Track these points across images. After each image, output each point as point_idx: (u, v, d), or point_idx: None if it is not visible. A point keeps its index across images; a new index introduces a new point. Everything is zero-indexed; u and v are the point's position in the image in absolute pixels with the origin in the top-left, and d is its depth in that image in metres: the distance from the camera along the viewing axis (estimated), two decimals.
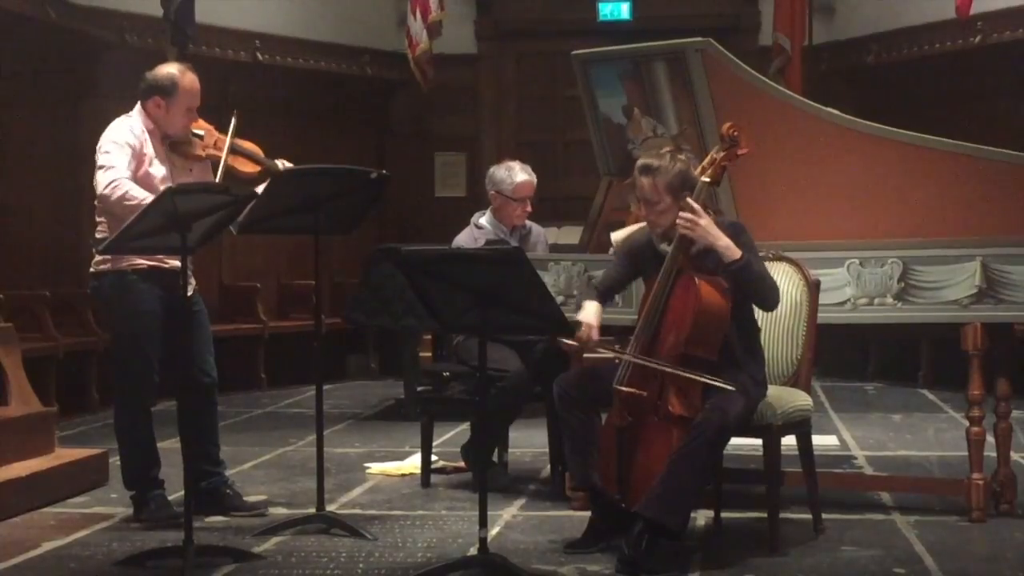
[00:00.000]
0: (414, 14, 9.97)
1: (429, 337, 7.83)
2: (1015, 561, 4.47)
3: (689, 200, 4.48)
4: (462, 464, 6.06)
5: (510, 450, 6.12)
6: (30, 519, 5.23)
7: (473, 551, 4.43)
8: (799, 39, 9.81)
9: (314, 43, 10.59)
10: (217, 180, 5.04)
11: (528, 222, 6.11)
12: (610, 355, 4.56)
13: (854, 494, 5.48)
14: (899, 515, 5.13)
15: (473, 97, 11.23)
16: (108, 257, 5.01)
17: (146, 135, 5.09)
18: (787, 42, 9.77)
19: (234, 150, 5.15)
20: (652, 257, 4.66)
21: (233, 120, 5.12)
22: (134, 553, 4.57)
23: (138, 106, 5.15)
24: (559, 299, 5.17)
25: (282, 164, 5.19)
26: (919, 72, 9.93)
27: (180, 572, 4.31)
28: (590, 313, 4.61)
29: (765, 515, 4.65)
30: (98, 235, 5.09)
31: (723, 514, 4.98)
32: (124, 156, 4.97)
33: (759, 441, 4.65)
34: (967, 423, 5.10)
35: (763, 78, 5.59)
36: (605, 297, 4.78)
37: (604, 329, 4.76)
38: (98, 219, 5.12)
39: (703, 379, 4.39)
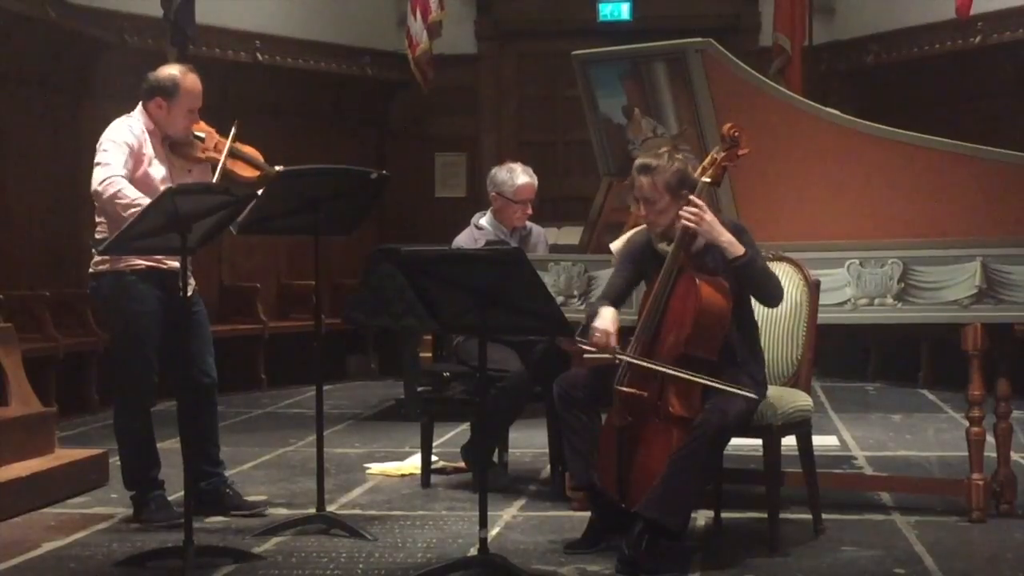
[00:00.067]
0: (414, 14, 9.97)
1: (429, 337, 7.85)
2: (1015, 561, 4.47)
3: (693, 197, 4.49)
4: (462, 464, 6.06)
5: (510, 450, 6.13)
6: (30, 519, 5.23)
7: (473, 551, 4.43)
8: (799, 39, 9.81)
9: (314, 43, 10.60)
10: (214, 181, 5.03)
11: (528, 223, 6.10)
12: (610, 356, 4.55)
13: (854, 494, 5.48)
14: (899, 515, 5.13)
15: (473, 97, 11.24)
16: (107, 257, 5.01)
17: (146, 135, 5.09)
18: (787, 42, 9.77)
19: (234, 154, 5.15)
20: (652, 257, 4.66)
21: (233, 128, 5.13)
22: (134, 554, 4.57)
23: (139, 106, 5.15)
24: (559, 299, 5.17)
25: (281, 170, 5.19)
26: (919, 72, 9.93)
27: (180, 572, 4.31)
28: (607, 319, 4.53)
29: (765, 515, 4.65)
30: (98, 235, 5.09)
31: (723, 514, 4.98)
32: (121, 155, 4.97)
33: (759, 441, 4.65)
34: (967, 423, 5.10)
35: (763, 78, 5.59)
36: (616, 305, 4.75)
37: None
38: (98, 219, 5.12)
39: (707, 382, 4.38)
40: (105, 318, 5.41)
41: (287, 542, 4.78)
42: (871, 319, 5.11)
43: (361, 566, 4.46)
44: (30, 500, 5.37)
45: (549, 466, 5.91)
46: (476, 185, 10.68)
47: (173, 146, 5.17)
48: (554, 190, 9.87)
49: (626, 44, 5.87)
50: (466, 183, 11.12)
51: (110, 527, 5.09)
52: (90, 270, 5.16)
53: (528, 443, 6.66)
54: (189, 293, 4.93)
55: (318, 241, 5.01)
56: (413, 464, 6.17)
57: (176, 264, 4.93)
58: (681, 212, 4.48)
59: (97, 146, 5.06)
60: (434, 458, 6.04)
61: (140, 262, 5.02)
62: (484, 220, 6.07)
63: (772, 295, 4.57)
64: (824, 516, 4.89)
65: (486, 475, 4.73)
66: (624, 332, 4.64)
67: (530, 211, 6.07)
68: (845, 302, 5.10)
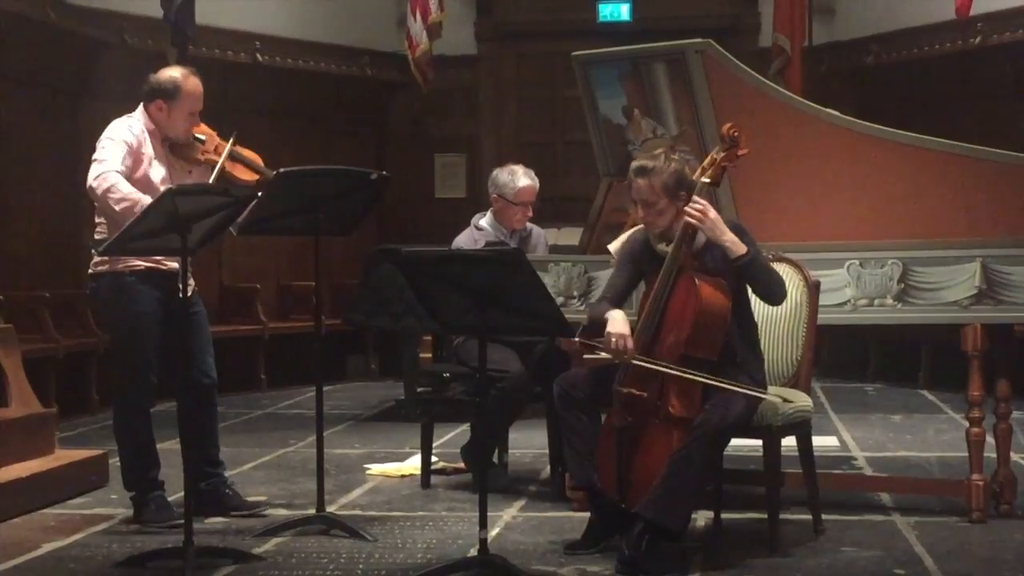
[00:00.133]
0: (414, 15, 9.97)
1: (429, 338, 7.83)
2: (1015, 562, 4.47)
3: (696, 197, 4.49)
4: (462, 465, 6.06)
5: (510, 451, 6.13)
6: (30, 520, 5.23)
7: (473, 552, 4.43)
8: (799, 40, 9.81)
9: (314, 44, 10.60)
10: (211, 181, 5.03)
11: (528, 223, 6.10)
12: (610, 357, 4.55)
13: (854, 495, 5.48)
14: (899, 516, 5.13)
15: (473, 98, 11.24)
16: (106, 258, 5.01)
17: (146, 135, 5.09)
18: (787, 43, 9.77)
19: (234, 157, 5.15)
20: (651, 257, 4.66)
21: (233, 137, 5.13)
22: (134, 554, 4.57)
23: (140, 107, 5.15)
24: (559, 300, 5.17)
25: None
26: (919, 73, 9.93)
27: (180, 573, 4.31)
28: (620, 323, 4.49)
29: (765, 516, 4.65)
30: (97, 236, 5.09)
31: (723, 515, 4.98)
32: (119, 152, 4.97)
33: (759, 442, 4.65)
34: (967, 424, 5.10)
35: (763, 79, 5.59)
36: (618, 306, 4.75)
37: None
38: (97, 220, 5.13)
39: (715, 383, 4.38)
40: (104, 319, 5.41)
41: (287, 543, 4.78)
42: (871, 320, 5.12)
43: (361, 567, 4.46)
44: (30, 501, 5.37)
45: (549, 467, 5.91)
46: (476, 186, 10.69)
47: (173, 148, 5.17)
48: (554, 191, 9.85)
49: (626, 45, 5.87)
50: (466, 184, 11.13)
51: (110, 528, 5.09)
52: (89, 271, 5.16)
53: (528, 444, 6.66)
54: (188, 294, 4.93)
55: (318, 242, 5.01)
56: (413, 465, 6.17)
57: (175, 265, 4.94)
58: (686, 208, 4.48)
59: (96, 144, 5.06)
60: (434, 459, 6.04)
61: (139, 263, 5.02)
62: (484, 221, 6.07)
63: (776, 293, 4.57)
64: (824, 517, 4.89)
65: (486, 476, 4.73)
66: None
67: (531, 213, 6.07)
68: (845, 303, 5.10)
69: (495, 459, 5.89)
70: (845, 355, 9.67)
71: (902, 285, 5.04)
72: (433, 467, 5.99)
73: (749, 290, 4.63)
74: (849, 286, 5.09)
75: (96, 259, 5.09)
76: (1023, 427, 6.72)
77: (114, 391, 5.35)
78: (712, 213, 4.48)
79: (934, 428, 7.47)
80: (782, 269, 4.86)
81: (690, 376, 4.39)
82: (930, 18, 9.71)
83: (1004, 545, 4.69)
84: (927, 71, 9.85)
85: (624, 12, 10.89)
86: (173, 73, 5.18)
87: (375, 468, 6.28)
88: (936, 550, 4.59)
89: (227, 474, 5.38)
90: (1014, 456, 5.51)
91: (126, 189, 4.89)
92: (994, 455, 5.12)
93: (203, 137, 5.20)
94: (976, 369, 4.98)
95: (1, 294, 7.61)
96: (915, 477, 5.96)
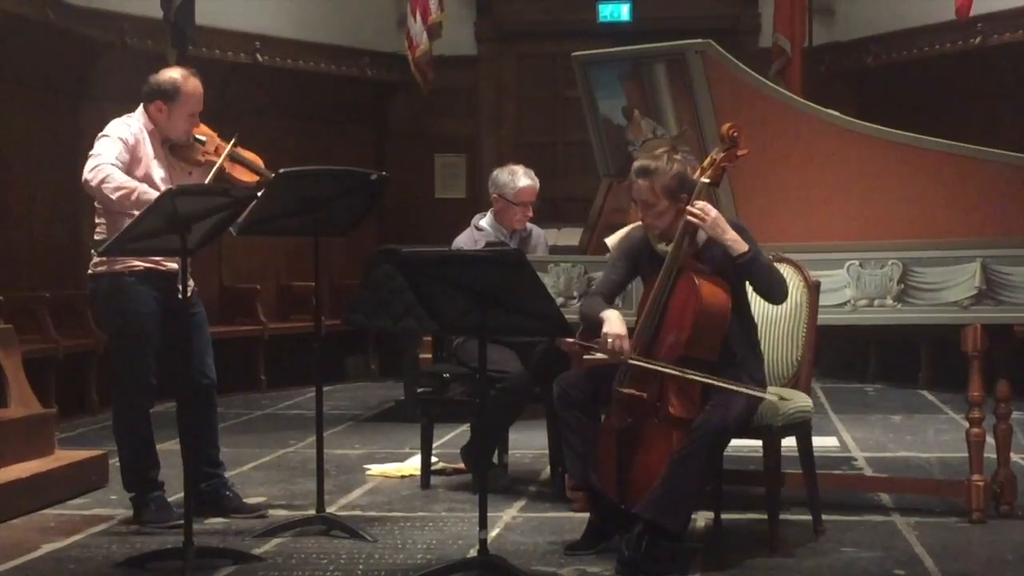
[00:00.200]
0: (414, 16, 9.97)
1: (429, 339, 7.83)
2: (1015, 562, 4.47)
3: (695, 200, 4.49)
4: (462, 466, 6.06)
5: (510, 451, 6.13)
6: (30, 521, 5.23)
7: (473, 553, 4.43)
8: (799, 40, 9.81)
9: (314, 45, 10.59)
10: (207, 182, 5.03)
11: (528, 224, 6.10)
12: (610, 357, 4.55)
13: (854, 495, 5.48)
14: (899, 516, 5.13)
15: (473, 99, 11.23)
16: (105, 259, 5.01)
17: (144, 135, 5.09)
18: (787, 43, 9.77)
19: (234, 158, 5.15)
20: (650, 257, 4.65)
21: (234, 139, 5.12)
22: (134, 555, 4.57)
23: (140, 108, 5.15)
24: (559, 300, 5.17)
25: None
26: (919, 73, 9.93)
27: (180, 574, 4.31)
28: (616, 324, 4.50)
29: (765, 516, 4.65)
30: (97, 237, 5.09)
31: (723, 515, 4.98)
32: (114, 147, 4.97)
33: (759, 442, 4.65)
34: (967, 424, 5.10)
35: (763, 79, 5.59)
36: (610, 301, 4.75)
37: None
38: (97, 220, 5.13)
39: (715, 383, 4.38)
40: (104, 320, 5.41)
41: (287, 543, 4.78)
42: (871, 320, 5.12)
43: (361, 567, 4.46)
44: (30, 501, 5.37)
45: (549, 467, 5.91)
46: (476, 186, 10.68)
47: (173, 148, 5.17)
48: (554, 191, 9.84)
49: (626, 45, 5.87)
50: (466, 184, 11.12)
51: (110, 528, 5.09)
52: (89, 271, 5.16)
53: (528, 444, 6.66)
54: (188, 294, 4.93)
55: (318, 242, 5.01)
56: (413, 465, 6.17)
57: (174, 265, 4.94)
58: (688, 208, 4.47)
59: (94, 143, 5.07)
60: (434, 459, 6.04)
61: (138, 263, 5.02)
62: (484, 221, 6.07)
63: (777, 291, 4.57)
64: (824, 517, 4.89)
65: (486, 476, 4.73)
66: None
67: (531, 213, 6.07)
68: (845, 303, 5.10)
69: (495, 460, 5.89)
70: (845, 355, 9.67)
71: (902, 285, 5.04)
72: (433, 468, 5.99)
73: (749, 290, 4.63)
74: (849, 286, 5.09)
75: (95, 260, 5.09)
76: (1023, 427, 6.72)
77: (113, 392, 5.35)
78: (713, 212, 4.48)
79: (934, 428, 7.47)
80: (782, 269, 4.86)
81: (689, 376, 4.39)
82: (930, 19, 9.71)
83: (1004, 545, 4.69)
84: (927, 71, 9.85)
85: (624, 12, 10.89)
86: (173, 74, 5.18)
87: (375, 469, 6.28)
88: (936, 551, 4.59)
89: (227, 475, 5.38)
90: (1014, 457, 5.51)
91: (121, 178, 4.89)
92: (994, 456, 5.12)
93: (203, 138, 5.20)
94: (976, 369, 4.98)
95: (1, 294, 7.60)
96: (915, 477, 5.96)
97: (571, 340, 4.80)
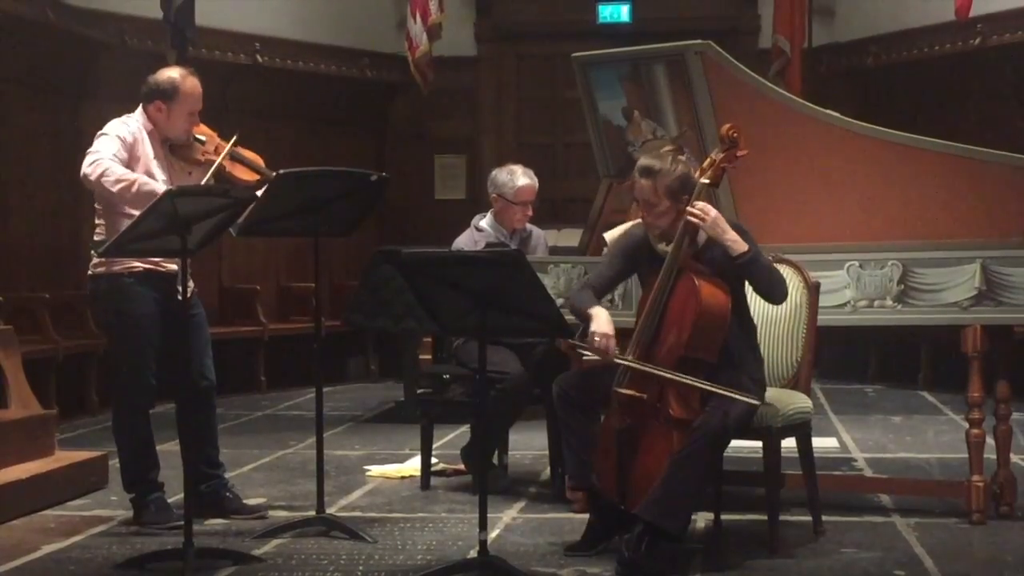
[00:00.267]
0: (414, 16, 9.97)
1: (429, 339, 7.85)
2: (1015, 563, 4.47)
3: (694, 200, 4.49)
4: (462, 466, 6.06)
5: (510, 452, 6.13)
6: (30, 522, 5.23)
7: (473, 554, 4.44)
8: (799, 41, 9.82)
9: (314, 46, 10.60)
10: (205, 180, 5.03)
11: (528, 225, 6.11)
12: (614, 362, 4.55)
13: (854, 496, 5.48)
14: (899, 517, 5.13)
15: (473, 99, 11.24)
16: (104, 260, 5.01)
17: (143, 135, 5.09)
18: (787, 44, 9.78)
19: (234, 157, 5.15)
20: (650, 257, 4.65)
21: (235, 138, 5.12)
22: (134, 556, 4.57)
23: (139, 108, 5.15)
24: (559, 301, 5.16)
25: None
26: (918, 74, 9.93)
27: (180, 574, 4.31)
28: (603, 322, 4.52)
29: (765, 517, 4.65)
30: (97, 237, 5.09)
31: (723, 516, 4.98)
32: (112, 144, 4.97)
33: (759, 443, 4.65)
34: (967, 425, 5.10)
35: (763, 80, 5.59)
36: (601, 295, 4.76)
37: None
38: (97, 221, 5.13)
39: (710, 388, 4.37)
40: (103, 320, 5.41)
41: (287, 544, 4.78)
42: (871, 321, 5.12)
43: (361, 568, 4.46)
44: (30, 502, 5.37)
45: (549, 468, 5.91)
46: (476, 187, 10.68)
47: (173, 148, 5.17)
48: (554, 192, 9.87)
49: (626, 46, 5.87)
50: (466, 185, 11.13)
51: (110, 529, 5.09)
52: (88, 272, 5.15)
53: (528, 445, 6.66)
54: (188, 295, 4.93)
55: (318, 243, 5.01)
56: (413, 466, 6.17)
57: (174, 266, 4.94)
58: (688, 208, 4.47)
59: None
60: (434, 460, 6.04)
61: (137, 264, 5.02)
62: (484, 222, 6.07)
63: (777, 291, 4.56)
64: (824, 518, 4.89)
65: (486, 477, 4.72)
66: (622, 333, 4.63)
67: (531, 213, 6.07)
68: (845, 304, 5.10)
69: (495, 461, 5.89)
70: (845, 356, 9.67)
71: (902, 286, 5.04)
72: (433, 468, 5.99)
73: (749, 291, 4.63)
74: (849, 287, 5.09)
75: (95, 260, 5.09)
76: (1023, 428, 6.72)
77: (113, 392, 5.35)
78: (713, 212, 4.48)
79: (934, 429, 7.47)
80: (782, 270, 4.86)
81: (678, 379, 4.38)
82: (930, 19, 9.71)
83: (1004, 546, 4.69)
84: (927, 72, 9.85)
85: (624, 13, 10.89)
86: (171, 73, 5.18)
87: (375, 469, 6.28)
88: (936, 551, 4.59)
89: (227, 475, 5.38)
90: (1014, 457, 5.51)
91: (121, 171, 4.89)
92: (994, 456, 5.12)
93: (203, 138, 5.20)
94: (976, 370, 4.98)
95: (1, 295, 7.60)
96: (915, 478, 5.96)
97: (568, 341, 4.81)
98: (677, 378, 4.39)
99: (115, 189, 4.85)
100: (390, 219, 10.57)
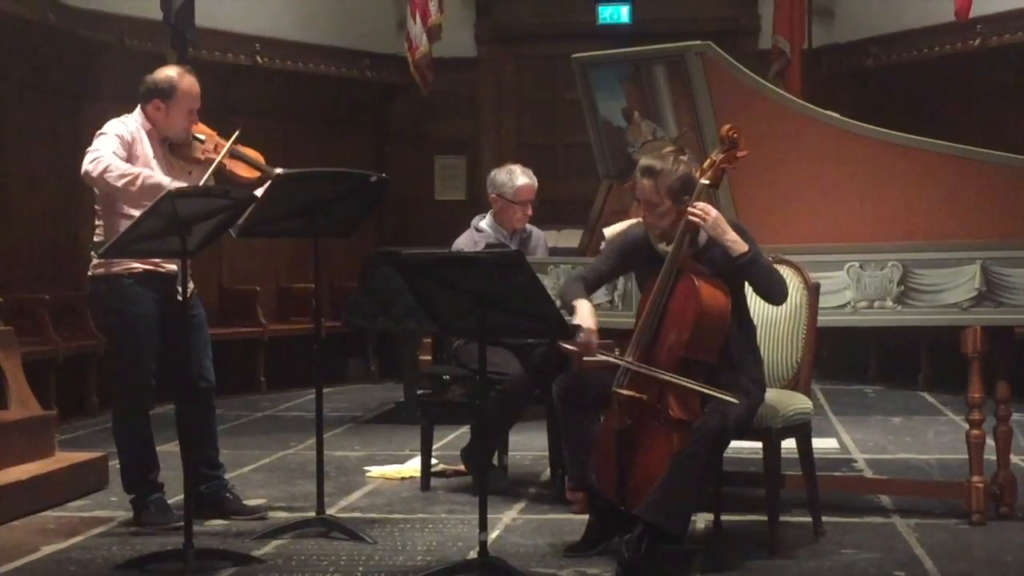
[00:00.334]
0: (414, 17, 9.98)
1: (429, 340, 7.84)
2: (1015, 564, 4.47)
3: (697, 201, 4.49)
4: (462, 467, 6.06)
5: (510, 453, 6.13)
6: (29, 523, 5.23)
7: (473, 554, 4.43)
8: (798, 42, 9.82)
9: (314, 47, 10.60)
10: (205, 178, 5.03)
11: (528, 225, 6.11)
12: (612, 361, 4.55)
13: (854, 497, 5.48)
14: (899, 518, 5.13)
15: (473, 100, 11.24)
16: (103, 261, 5.01)
17: (142, 134, 5.08)
18: (787, 45, 9.78)
19: (233, 154, 5.15)
20: (649, 256, 4.65)
21: (236, 132, 5.13)
22: (134, 557, 4.57)
23: (137, 108, 5.15)
24: (558, 302, 5.16)
25: (281, 172, 5.19)
26: (918, 75, 9.93)
27: (180, 575, 4.31)
28: (586, 315, 4.56)
29: (765, 518, 4.65)
30: (96, 238, 5.09)
31: (723, 517, 4.98)
32: (112, 143, 4.97)
33: (759, 444, 4.65)
34: (967, 426, 5.10)
35: (763, 81, 5.60)
36: (592, 289, 4.77)
37: (604, 332, 4.75)
38: (96, 222, 5.13)
39: (706, 391, 4.37)
40: (103, 321, 5.41)
41: (287, 545, 4.78)
42: (871, 322, 5.12)
43: (361, 569, 4.46)
44: (30, 503, 5.37)
45: (549, 469, 5.91)
46: (476, 188, 10.68)
47: (173, 148, 5.17)
48: (553, 193, 9.85)
49: (625, 47, 5.87)
50: (466, 186, 11.13)
51: (109, 530, 5.08)
52: (88, 273, 5.16)
53: (528, 446, 6.66)
54: (188, 296, 4.93)
55: (318, 244, 5.01)
56: (413, 467, 6.17)
57: (174, 267, 4.94)
58: (688, 208, 4.47)
59: None
60: (434, 461, 6.04)
61: (137, 265, 5.02)
62: (484, 223, 6.07)
63: (777, 291, 4.56)
64: (824, 519, 4.89)
65: (486, 478, 4.73)
66: (622, 334, 4.64)
67: (530, 212, 6.08)
68: (845, 305, 5.10)
69: (495, 461, 5.89)
70: (845, 357, 9.67)
71: (902, 287, 5.04)
72: (433, 469, 5.99)
73: (749, 292, 4.63)
74: (849, 288, 5.09)
75: (95, 261, 5.09)
76: (1023, 429, 6.72)
77: (113, 393, 5.35)
78: (713, 212, 4.48)
79: (934, 430, 7.47)
80: (782, 271, 4.86)
81: (682, 383, 4.38)
82: (929, 20, 9.71)
83: (1004, 547, 4.69)
84: (926, 73, 9.85)
85: (624, 14, 10.89)
86: (169, 72, 5.18)
87: (375, 470, 6.27)
88: (936, 552, 4.59)
89: (227, 476, 5.38)
90: (1014, 458, 5.51)
91: (123, 166, 4.89)
92: (994, 457, 5.12)
93: (202, 136, 5.20)
94: (976, 371, 4.98)
95: (1, 296, 7.60)
96: (915, 479, 5.96)
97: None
98: (671, 379, 4.38)
99: (120, 184, 4.85)
100: (390, 220, 10.58)
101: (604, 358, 4.58)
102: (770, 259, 4.72)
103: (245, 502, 5.33)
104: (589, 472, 4.58)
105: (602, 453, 4.54)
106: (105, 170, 4.87)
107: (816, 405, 7.41)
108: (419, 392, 6.48)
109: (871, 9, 10.38)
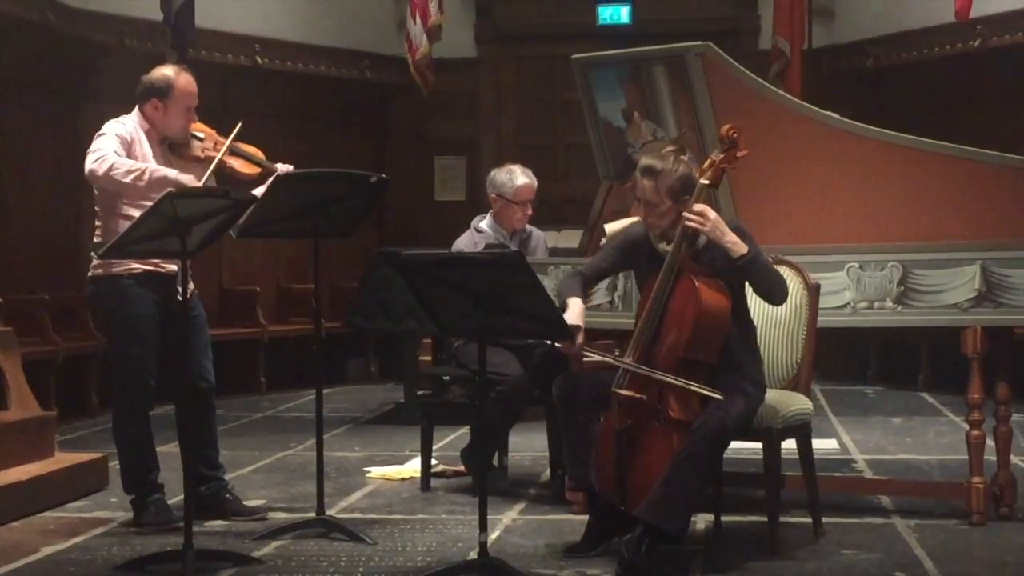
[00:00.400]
0: (414, 18, 9.97)
1: (429, 341, 7.84)
2: (1015, 565, 4.47)
3: (693, 203, 4.49)
4: (462, 468, 6.06)
5: (510, 454, 6.13)
6: (30, 523, 5.23)
7: (473, 555, 4.43)
8: (798, 43, 9.82)
9: (314, 47, 10.60)
10: (206, 176, 5.03)
11: (528, 226, 6.11)
12: (611, 361, 4.55)
13: (854, 498, 5.48)
14: (899, 519, 5.13)
15: (473, 101, 11.25)
16: (103, 261, 5.01)
17: (140, 134, 5.08)
18: (787, 46, 9.78)
19: (233, 151, 5.15)
20: (650, 256, 4.65)
21: (238, 126, 5.13)
22: (134, 557, 4.57)
23: (135, 110, 5.15)
24: (558, 303, 5.17)
25: (282, 167, 5.19)
26: (918, 76, 9.93)
27: None
28: (574, 313, 4.55)
29: (765, 519, 4.65)
30: (96, 239, 5.09)
31: (723, 518, 4.97)
32: (112, 142, 4.97)
33: (759, 445, 4.65)
34: (967, 426, 5.10)
35: (763, 82, 5.60)
36: (589, 285, 4.77)
37: (604, 332, 4.76)
38: (96, 223, 5.13)
39: (705, 392, 4.37)
40: (103, 322, 5.41)
41: (287, 546, 4.78)
42: (871, 322, 5.12)
43: (361, 570, 4.46)
44: (29, 504, 5.36)
45: (549, 470, 5.91)
46: (476, 188, 10.69)
47: (172, 147, 5.17)
48: (553, 193, 9.88)
49: (626, 48, 5.87)
50: (466, 186, 11.13)
51: (109, 531, 5.08)
52: (88, 274, 5.16)
53: (528, 447, 6.66)
54: (188, 296, 4.93)
55: (318, 244, 5.01)
56: (413, 468, 6.17)
57: (174, 268, 4.94)
58: (685, 214, 4.47)
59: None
60: (434, 462, 6.04)
61: (137, 266, 5.02)
62: (484, 223, 6.07)
63: (777, 292, 4.56)
64: (824, 519, 4.89)
65: (486, 479, 4.73)
66: (622, 334, 4.63)
67: (530, 212, 6.08)
68: (845, 305, 5.10)
69: (495, 462, 5.89)
70: (845, 358, 9.67)
71: (902, 288, 5.04)
72: (433, 470, 5.99)
73: (749, 293, 4.63)
74: (849, 289, 5.09)
75: (94, 262, 5.09)
76: (1023, 430, 6.72)
77: (113, 394, 5.34)
78: (712, 214, 4.47)
79: (934, 431, 7.47)
80: (782, 272, 4.86)
81: (680, 384, 4.38)
82: (929, 21, 9.72)
83: (1004, 548, 4.69)
84: (926, 74, 9.86)
85: (624, 15, 10.90)
86: (165, 71, 5.18)
87: (375, 471, 6.27)
88: (936, 553, 4.59)
89: (227, 477, 5.38)
90: (1014, 459, 5.51)
91: (128, 162, 4.90)
92: (994, 458, 5.12)
93: (201, 135, 5.20)
94: (976, 372, 4.98)
95: (1, 296, 7.60)
96: (915, 480, 5.95)
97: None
98: (669, 380, 4.38)
99: (128, 180, 4.85)
100: (390, 220, 10.58)
101: (603, 359, 4.58)
102: (770, 259, 4.72)
103: (245, 503, 5.33)
104: (589, 473, 4.58)
105: (602, 453, 4.54)
106: (111, 168, 4.87)
107: (816, 406, 7.40)
108: (419, 393, 6.49)
109: (871, 10, 10.39)
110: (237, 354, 9.29)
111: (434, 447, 6.03)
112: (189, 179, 4.91)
